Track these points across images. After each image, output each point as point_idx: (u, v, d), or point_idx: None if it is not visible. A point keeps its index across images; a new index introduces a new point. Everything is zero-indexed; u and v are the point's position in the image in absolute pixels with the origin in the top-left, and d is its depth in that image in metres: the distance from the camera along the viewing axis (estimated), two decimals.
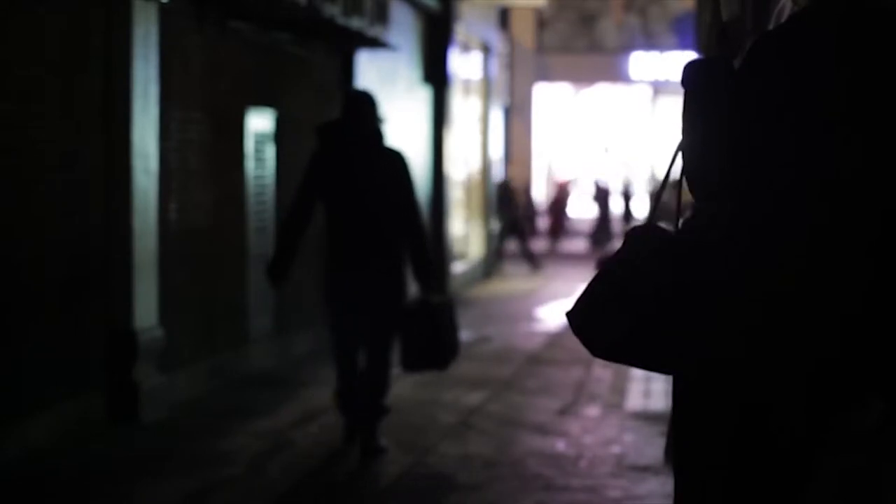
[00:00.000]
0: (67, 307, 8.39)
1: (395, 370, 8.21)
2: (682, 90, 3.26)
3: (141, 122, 8.97)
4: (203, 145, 10.24)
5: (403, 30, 15.53)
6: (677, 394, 3.34)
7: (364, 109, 7.85)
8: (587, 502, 7.02)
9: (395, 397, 8.40)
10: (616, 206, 30.20)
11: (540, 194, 34.46)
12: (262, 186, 11.41)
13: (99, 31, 8.75)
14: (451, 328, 7.96)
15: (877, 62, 3.03)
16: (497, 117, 23.47)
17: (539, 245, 26.58)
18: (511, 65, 26.24)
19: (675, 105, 28.89)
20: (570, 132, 38.76)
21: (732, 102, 3.11)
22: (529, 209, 26.43)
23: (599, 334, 3.23)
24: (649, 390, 10.33)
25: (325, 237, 7.94)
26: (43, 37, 8.11)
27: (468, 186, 20.31)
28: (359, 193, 7.78)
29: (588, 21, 37.23)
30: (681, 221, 3.29)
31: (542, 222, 30.52)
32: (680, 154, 3.26)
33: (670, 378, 3.34)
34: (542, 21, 35.41)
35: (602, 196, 28.56)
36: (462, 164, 19.66)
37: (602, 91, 38.82)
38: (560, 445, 8.39)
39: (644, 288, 3.16)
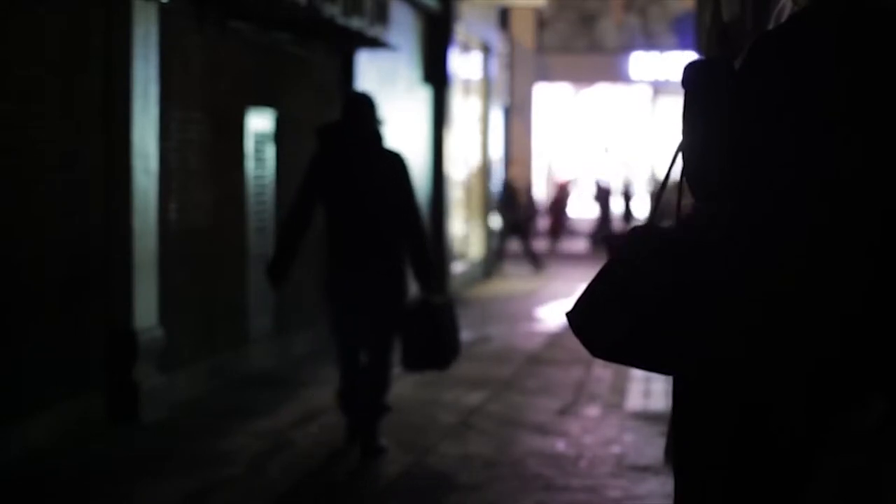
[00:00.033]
0: (67, 307, 8.39)
1: (396, 370, 8.22)
2: (682, 90, 3.26)
3: (141, 122, 8.97)
4: (203, 145, 10.24)
5: (403, 30, 15.53)
6: (677, 394, 3.34)
7: (363, 111, 7.87)
8: (587, 502, 7.02)
9: (395, 397, 8.40)
10: (617, 206, 30.20)
11: (540, 194, 34.46)
12: (262, 186, 11.41)
13: (99, 31, 8.75)
14: (451, 328, 7.98)
15: (877, 62, 3.03)
16: (497, 117, 23.48)
17: (539, 245, 26.58)
18: (511, 65, 26.24)
19: (675, 105, 28.92)
20: (570, 132, 38.75)
21: (732, 102, 3.11)
22: (531, 209, 26.42)
23: (600, 334, 3.23)
24: (649, 390, 10.33)
25: (325, 238, 7.95)
26: (43, 37, 8.11)
27: (468, 186, 20.31)
28: (358, 195, 7.79)
29: (588, 21, 37.22)
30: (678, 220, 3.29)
31: (543, 222, 30.52)
32: (680, 154, 3.26)
33: (670, 378, 3.34)
34: (542, 21, 35.40)
35: (603, 196, 28.56)
36: (462, 164, 19.66)
37: (602, 91, 38.81)
38: (560, 445, 8.39)
39: (644, 288, 3.16)
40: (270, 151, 11.56)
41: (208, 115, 10.30)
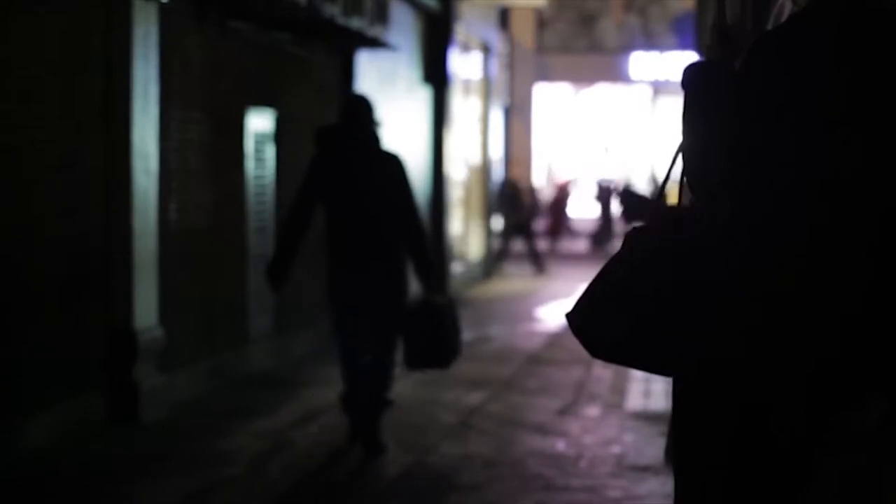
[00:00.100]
0: (67, 307, 8.39)
1: (398, 368, 8.22)
2: (682, 91, 3.26)
3: (141, 122, 8.97)
4: (203, 145, 10.24)
5: (403, 30, 15.53)
6: (677, 394, 3.34)
7: (362, 113, 7.90)
8: (587, 502, 7.02)
9: (395, 396, 8.40)
10: (617, 206, 30.20)
11: (542, 194, 34.46)
12: (262, 186, 11.41)
13: (99, 31, 8.75)
14: (452, 328, 8.00)
15: (877, 62, 3.03)
16: (497, 117, 23.47)
17: (539, 245, 26.56)
18: (511, 65, 26.23)
19: (675, 105, 28.91)
20: (570, 132, 38.76)
21: (732, 103, 3.11)
22: (534, 209, 26.42)
23: (600, 335, 3.23)
24: (649, 390, 10.33)
25: (326, 240, 7.97)
26: (43, 37, 8.11)
27: (468, 186, 20.31)
28: (358, 197, 7.82)
29: (588, 21, 37.23)
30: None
31: (542, 222, 30.52)
32: (680, 155, 3.26)
33: (670, 378, 3.34)
34: (542, 21, 35.40)
35: (604, 196, 28.56)
36: (462, 164, 19.66)
37: (602, 91, 38.82)
38: (560, 445, 8.39)
39: (644, 288, 3.16)
40: (270, 151, 11.56)
41: (208, 115, 10.30)
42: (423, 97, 17.04)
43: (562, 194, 29.10)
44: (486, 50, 21.01)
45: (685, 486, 3.30)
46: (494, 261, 21.86)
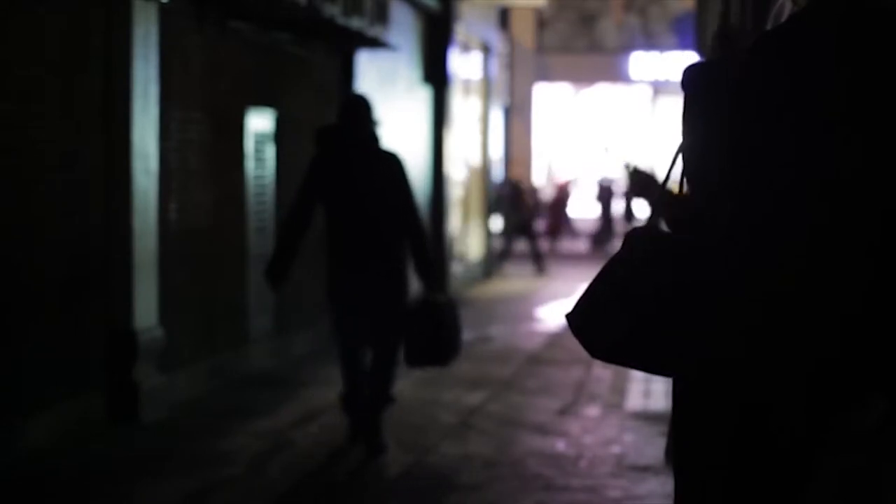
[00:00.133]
0: (67, 307, 8.39)
1: (399, 367, 8.22)
2: (682, 91, 3.26)
3: (141, 122, 8.97)
4: (203, 145, 10.24)
5: (403, 30, 15.53)
6: (677, 394, 3.34)
7: (361, 113, 7.91)
8: (587, 502, 7.02)
9: (396, 396, 8.39)
10: (618, 206, 30.20)
11: (543, 194, 34.46)
12: (262, 186, 11.41)
13: (99, 31, 8.75)
14: (453, 327, 8.01)
15: (877, 62, 3.03)
16: (497, 117, 23.47)
17: (539, 245, 26.57)
18: (511, 65, 26.24)
19: (675, 105, 28.89)
20: (570, 132, 38.76)
21: (732, 103, 3.11)
22: (536, 210, 26.42)
23: (600, 335, 3.23)
24: (649, 390, 10.33)
25: (326, 240, 7.97)
26: (43, 37, 8.11)
27: (468, 186, 20.31)
28: (358, 197, 7.82)
29: (588, 21, 37.24)
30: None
31: (542, 222, 30.52)
32: (680, 155, 3.27)
33: (670, 378, 3.34)
34: (542, 21, 35.41)
35: (605, 196, 28.55)
36: (462, 164, 19.66)
37: (602, 91, 38.82)
38: (560, 445, 8.39)
39: (644, 288, 3.16)
40: (270, 151, 11.56)
41: (208, 115, 10.30)
42: (423, 97, 17.04)
43: (562, 194, 29.10)
44: (486, 50, 21.00)
45: (685, 486, 3.30)
46: (497, 261, 21.86)
